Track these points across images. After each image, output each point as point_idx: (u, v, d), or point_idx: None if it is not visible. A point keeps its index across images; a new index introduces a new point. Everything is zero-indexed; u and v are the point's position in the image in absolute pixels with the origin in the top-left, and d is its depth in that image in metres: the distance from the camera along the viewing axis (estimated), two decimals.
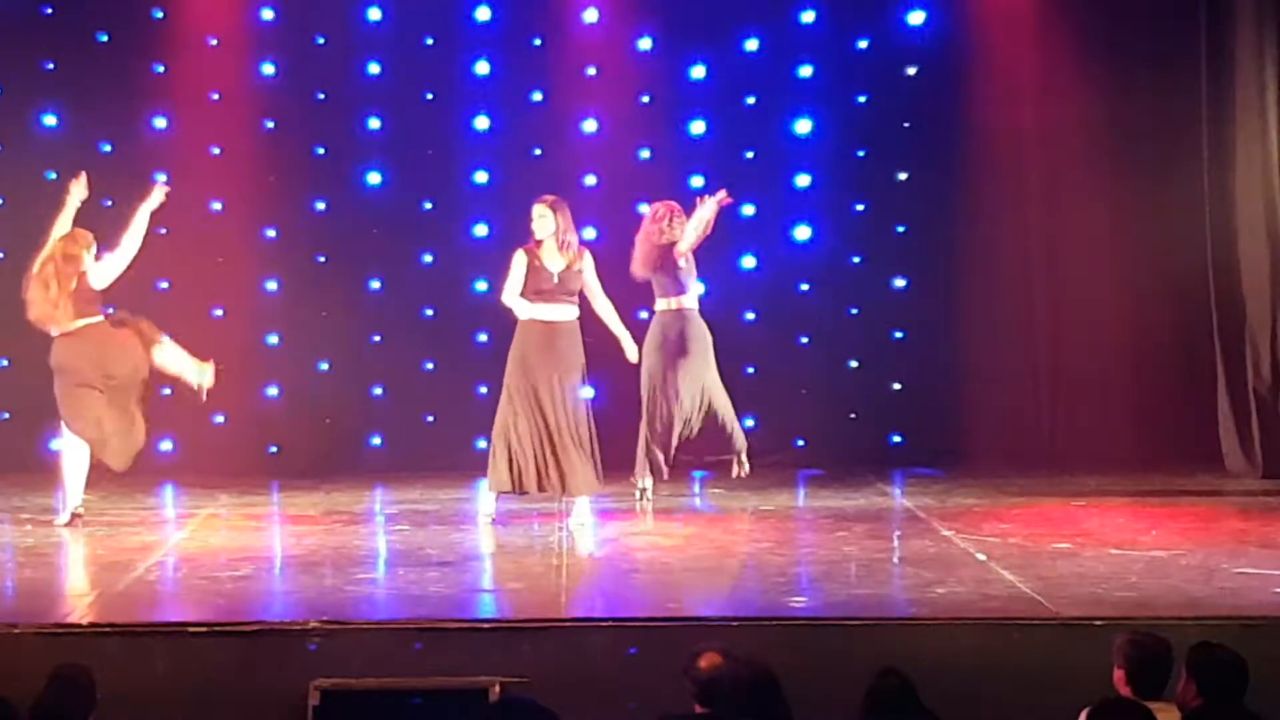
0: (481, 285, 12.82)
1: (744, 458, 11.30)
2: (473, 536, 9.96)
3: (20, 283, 13.00)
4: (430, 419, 12.81)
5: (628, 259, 13.28)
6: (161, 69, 13.21)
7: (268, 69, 13.35)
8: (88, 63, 13.10)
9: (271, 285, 13.35)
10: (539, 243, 10.24)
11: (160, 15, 13.21)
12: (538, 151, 13.36)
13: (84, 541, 9.85)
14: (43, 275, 10.50)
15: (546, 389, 10.15)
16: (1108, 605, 7.72)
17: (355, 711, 7.04)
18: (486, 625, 7.51)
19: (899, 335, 13.38)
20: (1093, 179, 13.05)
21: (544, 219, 10.20)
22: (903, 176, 13.32)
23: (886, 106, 13.31)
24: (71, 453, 10.36)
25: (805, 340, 13.29)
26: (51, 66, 13.14)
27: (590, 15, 13.35)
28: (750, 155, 13.38)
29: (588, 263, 10.34)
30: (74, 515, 10.23)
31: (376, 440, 13.38)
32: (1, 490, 11.66)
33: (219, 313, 13.17)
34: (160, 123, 13.26)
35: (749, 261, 13.23)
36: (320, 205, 13.38)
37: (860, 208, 13.39)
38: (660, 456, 11.20)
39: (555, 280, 10.19)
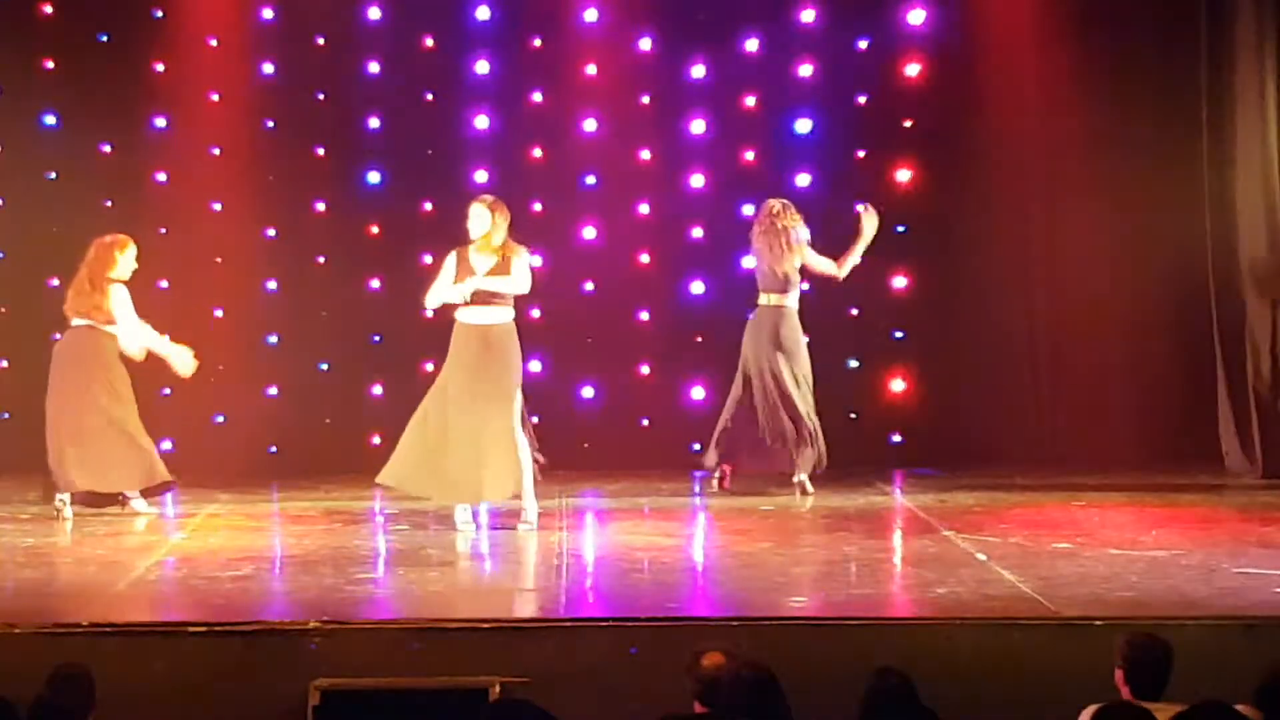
0: None
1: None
2: (472, 537, 9.94)
3: (21, 282, 13.07)
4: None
5: (626, 258, 13.36)
6: (161, 69, 13.21)
7: (268, 69, 13.34)
8: (88, 63, 13.09)
9: (271, 285, 13.34)
10: (471, 243, 10.02)
11: (160, 15, 13.20)
12: (538, 152, 13.36)
13: (84, 541, 9.85)
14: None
15: (456, 392, 9.93)
16: (1108, 605, 7.72)
17: (355, 711, 7.04)
18: (486, 625, 7.51)
19: (899, 335, 13.38)
20: (1093, 179, 13.03)
21: (478, 219, 9.95)
22: (903, 176, 13.32)
23: (886, 106, 13.31)
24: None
25: (805, 340, 13.27)
26: (51, 66, 13.13)
27: (590, 15, 13.34)
28: (750, 155, 13.38)
29: (522, 261, 9.93)
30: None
31: (376, 440, 13.37)
32: (1, 490, 11.65)
33: (219, 313, 13.16)
34: (160, 123, 13.25)
35: (750, 261, 13.21)
36: (320, 205, 13.38)
37: (860, 208, 13.38)
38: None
39: (480, 280, 9.94)
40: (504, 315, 9.93)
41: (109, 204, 13.06)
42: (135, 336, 10.74)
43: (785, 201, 11.71)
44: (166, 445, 12.75)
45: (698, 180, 13.35)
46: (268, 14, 13.34)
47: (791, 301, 11.59)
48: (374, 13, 13.35)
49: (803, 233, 11.61)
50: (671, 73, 13.37)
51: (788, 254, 11.52)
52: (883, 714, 5.60)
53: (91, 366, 10.71)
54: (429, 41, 13.41)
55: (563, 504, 11.01)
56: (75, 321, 10.75)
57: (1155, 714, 5.50)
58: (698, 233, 13.37)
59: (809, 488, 11.44)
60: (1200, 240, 12.49)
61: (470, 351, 9.90)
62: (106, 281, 10.69)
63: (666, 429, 13.16)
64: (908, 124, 13.31)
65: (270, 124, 13.32)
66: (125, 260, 10.80)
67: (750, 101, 13.38)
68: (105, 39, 13.18)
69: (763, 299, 11.60)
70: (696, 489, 11.97)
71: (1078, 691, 6.10)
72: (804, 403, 11.48)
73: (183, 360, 10.82)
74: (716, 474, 11.62)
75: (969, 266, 13.27)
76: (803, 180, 13.31)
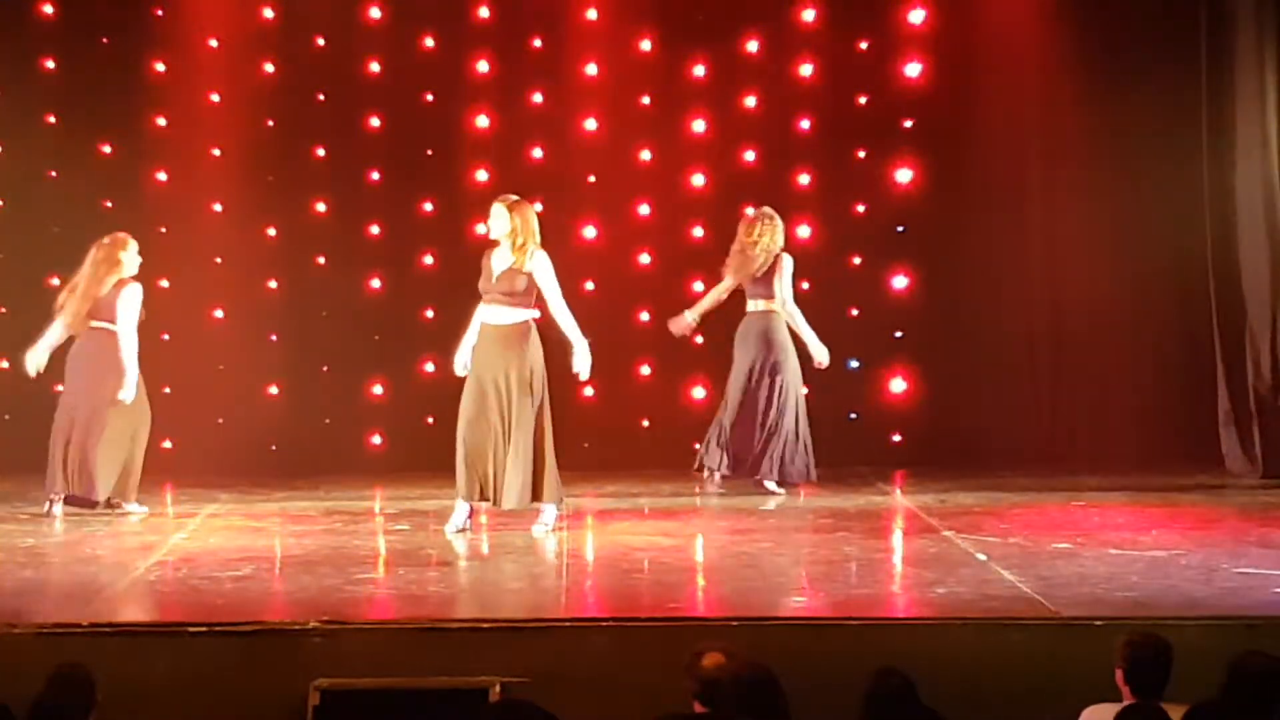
0: None
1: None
2: (472, 537, 9.94)
3: (21, 282, 13.08)
4: (430, 419, 12.80)
5: (626, 257, 13.37)
6: (161, 69, 13.22)
7: (268, 69, 13.34)
8: (88, 63, 13.10)
9: (272, 285, 13.34)
10: (495, 243, 9.94)
11: (160, 15, 13.21)
12: (538, 152, 13.36)
13: (84, 541, 9.85)
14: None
15: (494, 394, 9.78)
16: (1108, 605, 7.72)
17: (355, 711, 7.03)
18: (486, 625, 7.50)
19: (899, 335, 13.38)
20: (1093, 178, 13.05)
21: (498, 219, 9.86)
22: (903, 176, 13.32)
23: (886, 106, 13.31)
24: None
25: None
26: (51, 66, 13.14)
27: (590, 15, 13.35)
28: (750, 155, 13.38)
29: (539, 264, 9.81)
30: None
31: (376, 440, 13.39)
32: (1, 490, 11.65)
33: (219, 313, 13.17)
34: (160, 122, 13.25)
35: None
36: (320, 205, 13.38)
37: (861, 208, 13.39)
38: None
39: (494, 280, 9.81)
40: (517, 315, 9.84)
41: (109, 204, 13.07)
42: (128, 342, 10.69)
43: (763, 210, 11.61)
44: (167, 445, 12.79)
45: (698, 180, 13.36)
46: (268, 14, 13.35)
47: (778, 306, 11.53)
48: (374, 13, 13.36)
49: (786, 260, 11.51)
50: (671, 73, 13.37)
51: (760, 265, 11.48)
52: (883, 714, 5.59)
53: (104, 371, 10.73)
54: (429, 41, 13.42)
55: (563, 504, 11.00)
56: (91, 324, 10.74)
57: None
58: (698, 233, 13.37)
59: (775, 489, 11.45)
60: (1200, 240, 12.49)
61: (487, 353, 9.87)
62: (120, 284, 10.70)
63: (666, 429, 13.17)
64: (908, 124, 13.32)
65: (270, 124, 13.32)
66: (129, 258, 10.79)
67: (750, 101, 13.39)
68: (105, 39, 13.19)
69: (749, 305, 11.55)
70: (697, 489, 11.98)
71: (1078, 691, 6.10)
72: (790, 412, 11.47)
73: (128, 394, 10.72)
74: (709, 473, 11.56)
75: (969, 266, 13.27)
76: (803, 180, 13.32)
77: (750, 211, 11.70)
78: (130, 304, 10.66)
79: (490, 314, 9.85)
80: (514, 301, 9.79)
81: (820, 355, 11.51)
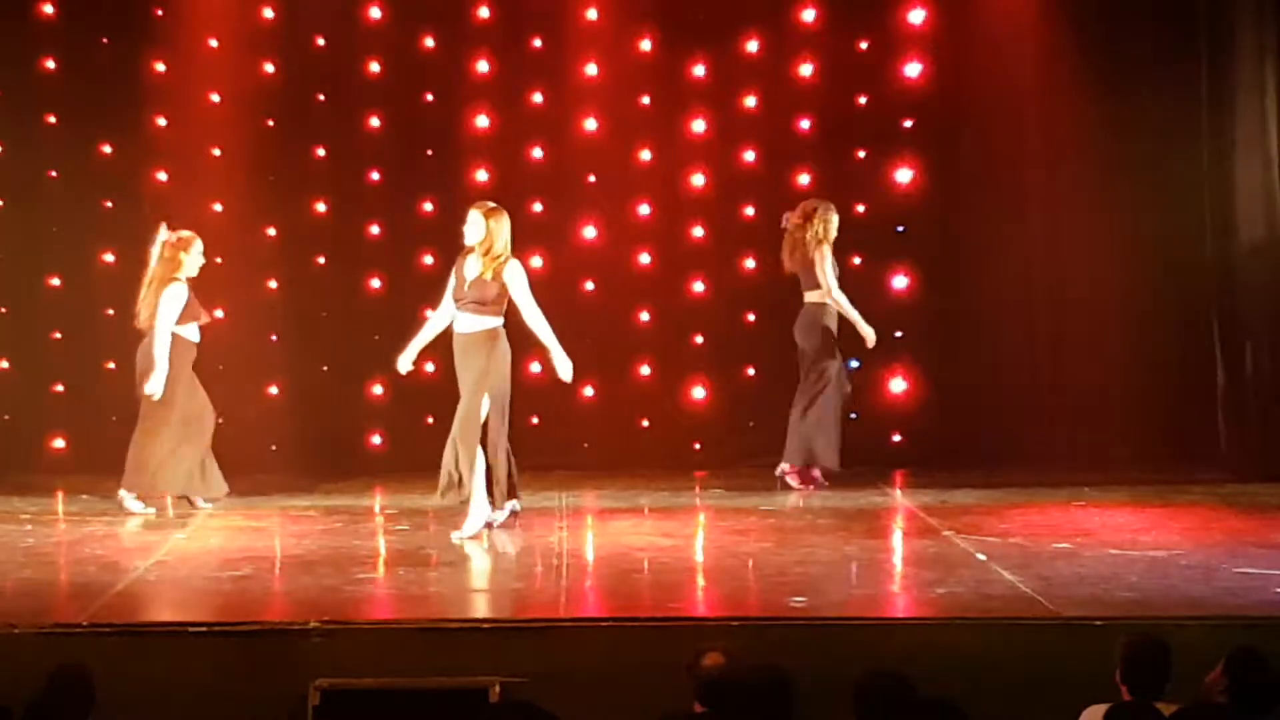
0: None
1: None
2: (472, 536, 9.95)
3: (21, 282, 13.07)
4: (430, 419, 12.80)
5: (627, 258, 13.38)
6: (161, 69, 13.21)
7: (268, 69, 13.34)
8: (88, 63, 13.09)
9: (272, 285, 13.34)
10: (469, 249, 9.99)
11: (160, 15, 13.20)
12: (538, 152, 13.36)
13: (84, 541, 9.85)
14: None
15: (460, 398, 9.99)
16: (1108, 605, 7.73)
17: (355, 711, 7.04)
18: (486, 625, 7.52)
19: (899, 335, 13.36)
20: (1093, 178, 13.03)
21: (473, 225, 9.90)
22: (903, 176, 13.31)
23: (886, 106, 13.30)
24: None
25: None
26: (52, 66, 13.14)
27: (590, 15, 13.34)
28: (750, 155, 13.38)
29: (512, 273, 9.84)
30: None
31: (376, 440, 13.39)
32: (1, 490, 11.65)
33: (219, 313, 13.16)
34: (160, 122, 13.24)
35: (749, 263, 13.22)
36: (320, 205, 13.37)
37: (861, 208, 13.37)
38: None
39: (466, 288, 9.89)
40: (483, 324, 9.89)
41: (109, 204, 13.07)
42: (160, 339, 10.78)
43: (819, 203, 11.87)
44: None
45: (698, 180, 13.35)
46: (268, 14, 13.33)
47: (814, 298, 11.77)
48: (374, 13, 13.35)
49: (824, 251, 11.70)
50: (671, 73, 13.36)
51: (790, 259, 11.74)
52: (875, 714, 5.58)
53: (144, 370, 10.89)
54: (429, 41, 13.41)
55: (563, 504, 11.01)
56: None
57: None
58: (698, 233, 13.36)
59: (790, 483, 11.57)
60: (1200, 239, 12.49)
61: (458, 360, 9.99)
62: (167, 281, 10.82)
63: (666, 429, 13.17)
64: (908, 124, 13.31)
65: (270, 124, 13.31)
66: (192, 259, 10.95)
67: (750, 101, 13.38)
68: (105, 39, 13.17)
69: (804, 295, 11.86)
70: (696, 488, 12.00)
71: (1078, 691, 6.11)
72: (803, 396, 11.63)
73: (154, 388, 10.84)
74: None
75: (969, 266, 13.26)
76: (803, 180, 13.31)
77: (809, 202, 11.91)
78: (166, 303, 10.81)
79: (460, 321, 9.94)
80: (484, 310, 9.86)
81: (867, 335, 11.77)
